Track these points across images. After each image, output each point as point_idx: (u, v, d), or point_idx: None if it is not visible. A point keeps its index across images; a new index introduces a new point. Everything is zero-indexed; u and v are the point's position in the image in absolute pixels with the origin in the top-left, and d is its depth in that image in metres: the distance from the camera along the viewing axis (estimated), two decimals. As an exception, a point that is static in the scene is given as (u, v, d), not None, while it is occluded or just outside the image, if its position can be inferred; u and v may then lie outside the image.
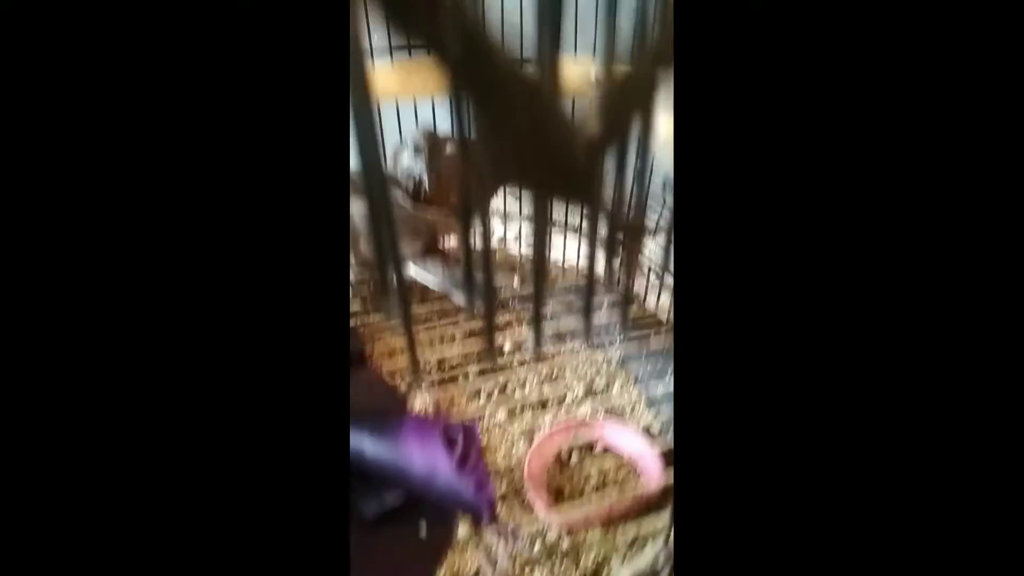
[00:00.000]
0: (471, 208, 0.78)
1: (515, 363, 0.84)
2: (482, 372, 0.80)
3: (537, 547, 0.64)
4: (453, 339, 0.84)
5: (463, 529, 0.45)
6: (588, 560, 0.61)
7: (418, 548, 0.43)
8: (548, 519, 0.60)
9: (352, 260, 0.64)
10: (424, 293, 0.78)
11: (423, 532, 0.43)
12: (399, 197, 0.64)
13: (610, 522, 0.62)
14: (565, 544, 0.63)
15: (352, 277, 0.69)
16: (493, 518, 0.43)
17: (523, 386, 0.80)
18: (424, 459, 0.45)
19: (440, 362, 0.77)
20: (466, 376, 0.79)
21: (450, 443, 0.47)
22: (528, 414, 0.77)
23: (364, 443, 0.45)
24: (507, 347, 0.86)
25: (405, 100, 0.75)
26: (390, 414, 0.50)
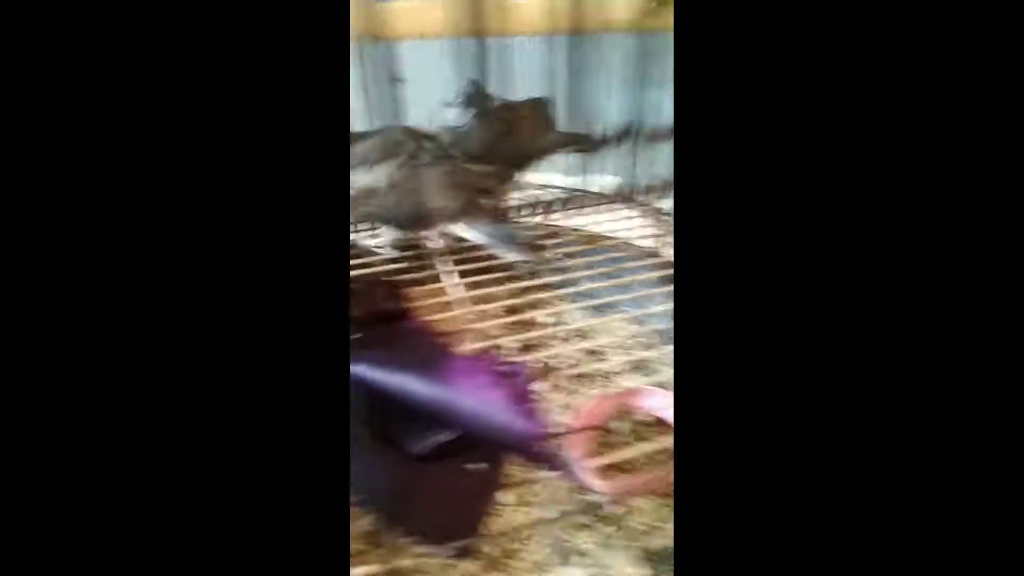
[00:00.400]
0: (519, 165, 0.76)
1: (553, 333, 0.82)
2: (519, 345, 0.78)
3: (586, 516, 0.61)
4: (496, 299, 0.82)
5: (517, 465, 0.43)
6: (639, 528, 0.59)
7: (470, 484, 0.42)
8: (597, 487, 0.58)
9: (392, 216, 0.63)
10: (470, 250, 0.77)
11: (476, 467, 0.41)
12: (446, 152, 0.63)
13: (660, 491, 0.59)
14: (615, 513, 0.61)
15: (394, 235, 0.67)
16: (551, 453, 0.40)
17: (560, 352, 0.78)
18: (474, 396, 0.43)
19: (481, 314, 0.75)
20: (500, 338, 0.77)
21: (503, 380, 0.45)
22: (566, 382, 0.75)
23: (411, 383, 0.44)
24: (545, 319, 0.84)
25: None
26: (436, 355, 0.48)
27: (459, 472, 0.41)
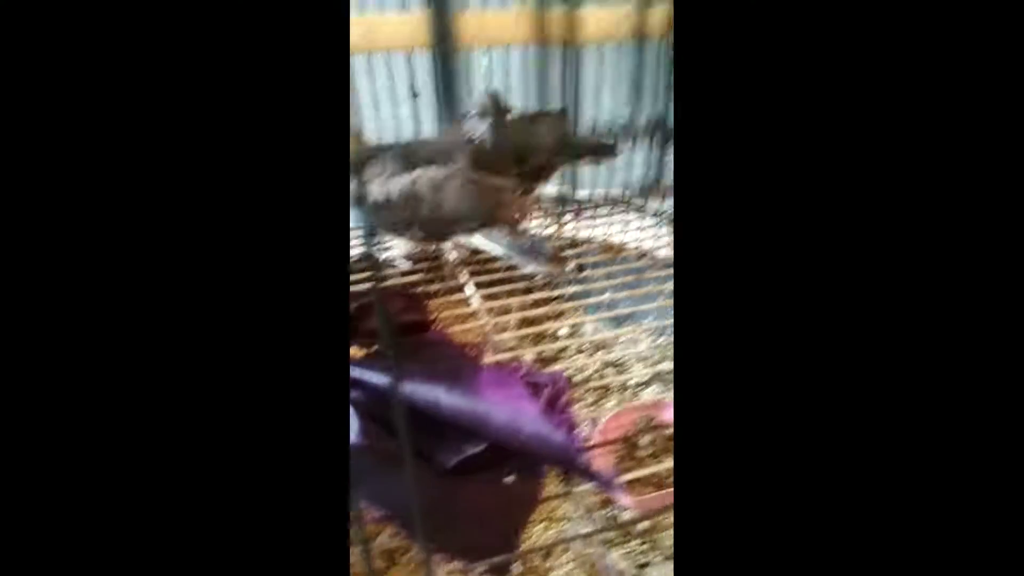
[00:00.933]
0: (537, 175, 0.75)
1: (573, 346, 0.81)
2: (540, 358, 0.77)
3: (613, 530, 0.60)
4: (514, 310, 0.81)
5: (552, 478, 0.42)
6: (667, 542, 0.57)
7: (505, 497, 0.40)
8: (628, 503, 0.57)
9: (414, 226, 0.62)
10: (487, 261, 0.76)
11: (510, 481, 0.39)
12: (464, 163, 0.62)
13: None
14: (642, 527, 0.59)
15: (414, 245, 0.67)
16: (585, 465, 0.39)
17: (583, 369, 0.77)
18: (507, 407, 0.41)
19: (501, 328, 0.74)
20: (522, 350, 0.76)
21: (535, 390, 0.43)
22: (590, 397, 0.74)
23: (439, 395, 0.42)
24: (563, 331, 0.83)
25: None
26: (464, 367, 0.47)
27: (496, 486, 0.39)
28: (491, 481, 0.40)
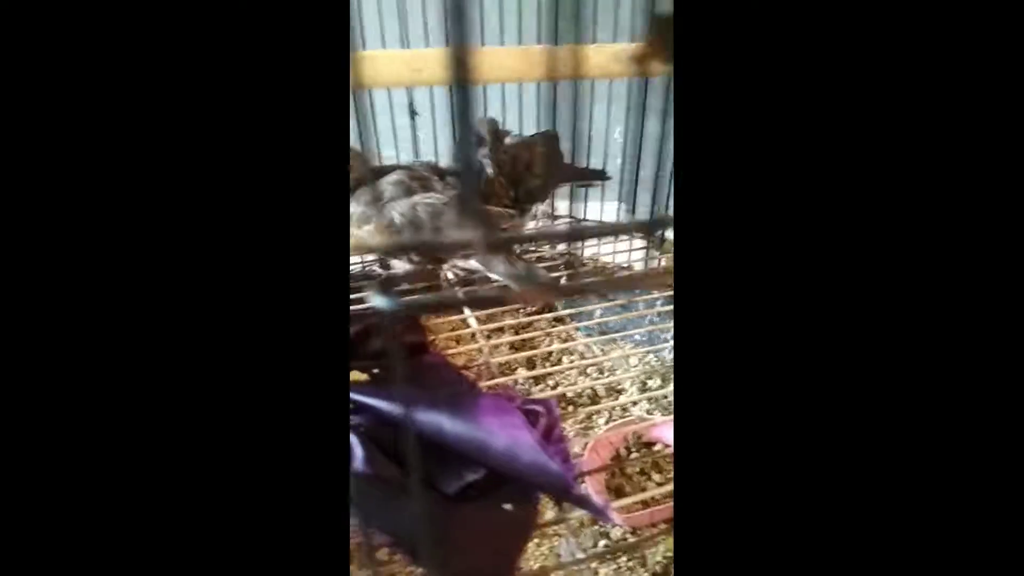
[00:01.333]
0: (532, 199, 0.77)
1: (564, 361, 0.83)
2: (533, 377, 0.79)
3: (602, 544, 0.62)
4: (512, 332, 0.82)
5: (548, 505, 0.44)
6: (655, 559, 0.59)
7: (504, 524, 0.42)
8: (620, 522, 0.59)
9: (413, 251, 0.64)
10: (482, 281, 0.78)
11: (509, 508, 0.41)
12: (463, 190, 0.64)
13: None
14: (630, 543, 0.61)
15: (413, 267, 0.69)
16: (580, 494, 0.41)
17: (574, 384, 0.79)
18: (505, 434, 0.43)
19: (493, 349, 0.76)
20: (515, 373, 0.78)
21: (531, 419, 0.45)
22: (581, 413, 0.76)
23: (441, 421, 0.44)
24: (555, 346, 0.85)
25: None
26: (463, 392, 0.49)
27: (494, 512, 0.41)
28: (489, 507, 0.41)
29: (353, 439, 0.45)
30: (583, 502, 0.42)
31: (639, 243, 0.88)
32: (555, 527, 0.54)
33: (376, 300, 0.20)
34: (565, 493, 0.41)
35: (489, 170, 0.68)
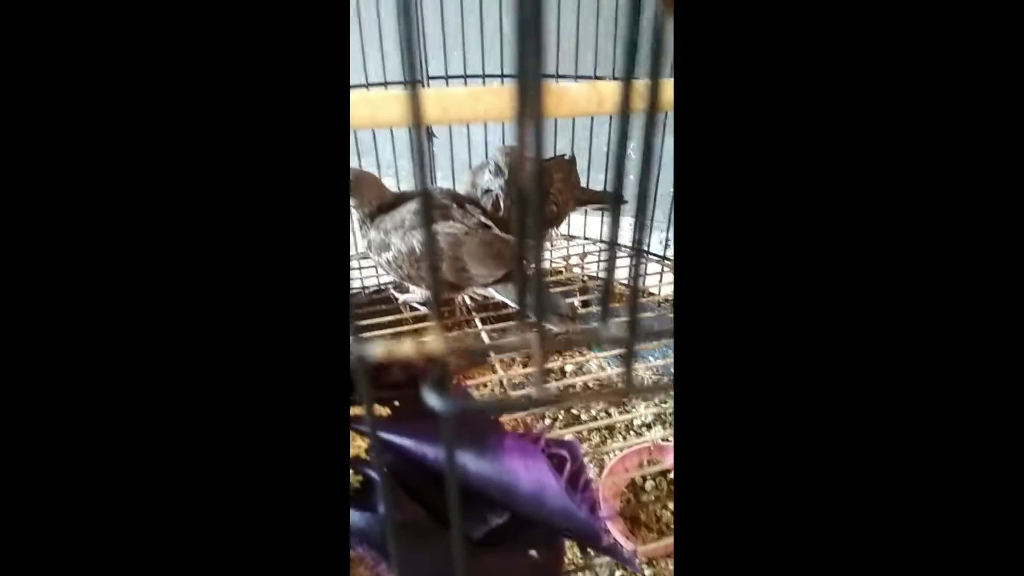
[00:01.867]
0: (548, 225, 0.76)
1: (579, 385, 0.83)
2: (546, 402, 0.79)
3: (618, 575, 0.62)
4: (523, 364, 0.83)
5: (574, 552, 0.44)
6: (672, 590, 0.60)
7: (528, 568, 0.42)
8: (629, 548, 0.59)
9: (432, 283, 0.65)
10: (496, 307, 0.78)
11: (534, 554, 0.41)
12: (479, 218, 0.64)
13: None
14: (647, 574, 0.62)
15: (431, 297, 0.69)
16: (609, 542, 0.41)
17: (588, 409, 0.79)
18: (530, 478, 0.43)
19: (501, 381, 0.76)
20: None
21: (555, 463, 0.45)
22: (595, 438, 0.76)
23: (467, 462, 0.44)
24: (568, 368, 0.85)
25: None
26: (488, 432, 0.48)
27: (520, 556, 0.41)
28: (515, 552, 0.41)
29: (377, 479, 0.45)
30: (611, 552, 0.42)
31: (653, 262, 0.88)
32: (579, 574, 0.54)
33: (431, 400, 0.20)
34: (593, 542, 0.41)
35: (507, 199, 0.68)
